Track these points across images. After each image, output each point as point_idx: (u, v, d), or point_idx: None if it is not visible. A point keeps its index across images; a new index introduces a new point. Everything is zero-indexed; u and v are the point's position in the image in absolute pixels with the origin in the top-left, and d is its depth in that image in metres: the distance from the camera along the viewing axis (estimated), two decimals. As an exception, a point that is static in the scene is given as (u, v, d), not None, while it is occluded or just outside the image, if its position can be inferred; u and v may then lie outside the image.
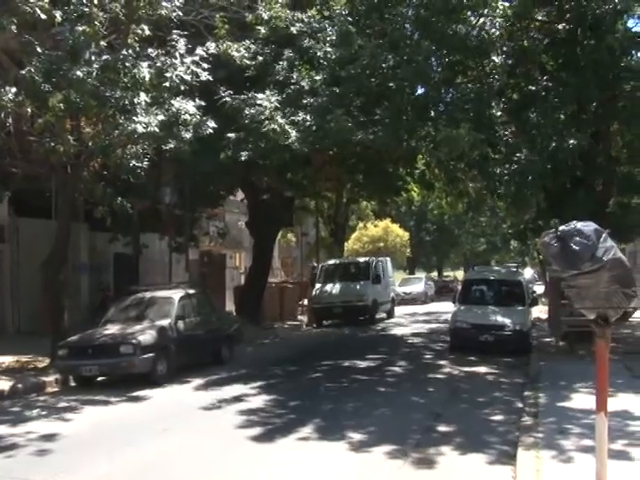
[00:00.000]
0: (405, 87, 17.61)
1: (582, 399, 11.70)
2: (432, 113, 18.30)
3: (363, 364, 18.26)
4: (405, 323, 30.63)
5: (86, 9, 14.35)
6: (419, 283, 51.13)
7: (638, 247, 47.01)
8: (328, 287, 30.79)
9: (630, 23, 21.00)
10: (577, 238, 5.73)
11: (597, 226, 5.97)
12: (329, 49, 17.78)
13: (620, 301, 5.97)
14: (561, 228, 5.96)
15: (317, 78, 17.39)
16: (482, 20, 19.24)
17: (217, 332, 18.22)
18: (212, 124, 16.36)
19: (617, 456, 8.73)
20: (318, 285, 30.99)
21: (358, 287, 30.56)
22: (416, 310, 38.60)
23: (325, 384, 15.40)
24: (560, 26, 19.81)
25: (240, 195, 32.53)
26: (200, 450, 10.15)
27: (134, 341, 15.19)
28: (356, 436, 10.60)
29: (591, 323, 6.14)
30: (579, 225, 5.92)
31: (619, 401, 12.00)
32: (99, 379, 15.92)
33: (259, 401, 13.46)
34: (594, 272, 5.76)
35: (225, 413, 12.53)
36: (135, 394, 14.32)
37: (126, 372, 15.33)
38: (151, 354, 15.29)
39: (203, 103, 16.57)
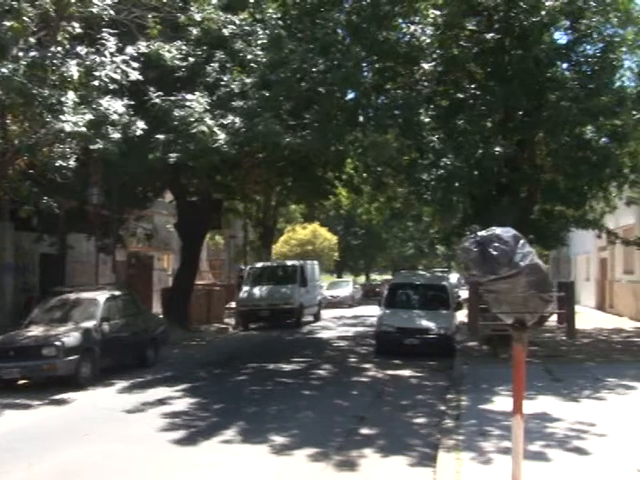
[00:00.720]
0: (335, 92, 17.70)
1: (503, 401, 11.91)
2: (361, 118, 18.44)
3: (288, 367, 18.29)
4: (332, 326, 30.74)
5: (14, 3, 14.01)
6: (346, 287, 51.39)
7: (561, 253, 48.16)
8: (255, 290, 30.76)
9: (556, 35, 21.46)
10: (496, 244, 5.83)
11: (516, 232, 6.09)
12: (260, 52, 17.76)
13: (537, 306, 6.10)
14: (480, 234, 6.07)
15: (247, 81, 17.35)
16: (413, 28, 19.49)
17: (143, 334, 18.02)
18: (141, 125, 16.16)
19: (535, 457, 8.94)
20: (246, 288, 30.93)
21: (285, 290, 30.61)
22: (343, 313, 38.76)
23: (250, 387, 15.38)
24: (489, 36, 20.19)
25: (169, 197, 32.23)
26: (122, 454, 10.01)
27: (57, 343, 14.89)
28: (279, 439, 10.61)
29: (509, 327, 6.26)
30: (498, 231, 6.03)
31: (539, 403, 12.29)
32: (21, 382, 15.54)
33: (183, 404, 13.36)
34: (512, 277, 5.87)
35: (149, 416, 12.40)
36: (58, 397, 14.06)
37: (48, 375, 15.04)
38: (75, 356, 15.00)
39: (132, 103, 16.37)
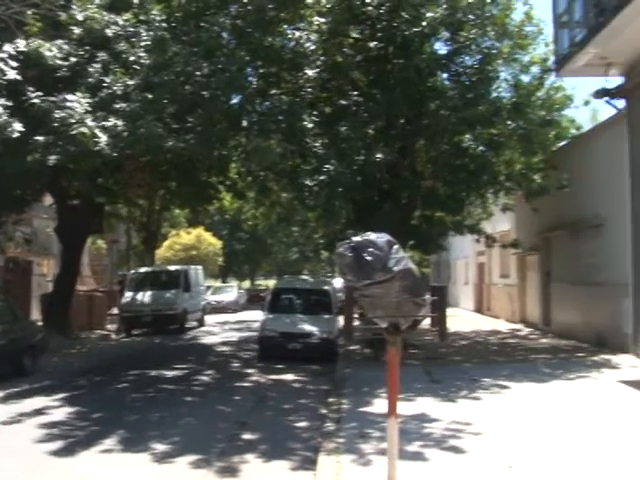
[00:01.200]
0: (219, 96, 17.61)
1: (383, 404, 11.92)
2: (245, 123, 18.40)
3: (170, 374, 18.06)
4: (216, 332, 30.59)
5: None
6: (231, 292, 51.27)
7: (442, 258, 49.36)
8: (138, 295, 30.27)
9: (436, 46, 22.05)
10: (370, 249, 5.96)
11: (390, 238, 6.23)
12: (143, 54, 17.48)
13: (410, 310, 6.25)
14: (355, 239, 6.18)
15: (130, 83, 17.03)
16: (298, 34, 19.61)
17: (19, 342, 17.38)
18: (18, 127, 15.62)
19: (413, 457, 9.17)
20: (128, 293, 30.41)
21: (168, 295, 30.26)
22: (227, 319, 38.63)
23: (131, 394, 15.10)
24: (372, 44, 20.56)
25: (49, 200, 31.31)
26: (-5, 467, 9.66)
27: None
28: (160, 447, 10.47)
29: (383, 331, 6.40)
30: (372, 236, 6.16)
31: (418, 405, 12.59)
32: None
33: (62, 414, 12.97)
34: (386, 282, 6.00)
35: (25, 427, 11.94)
36: None
37: None
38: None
39: (10, 103, 15.83)
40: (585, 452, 9.25)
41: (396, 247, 6.13)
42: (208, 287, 45.00)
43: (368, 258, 5.91)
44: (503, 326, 29.71)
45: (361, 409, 12.50)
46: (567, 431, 10.44)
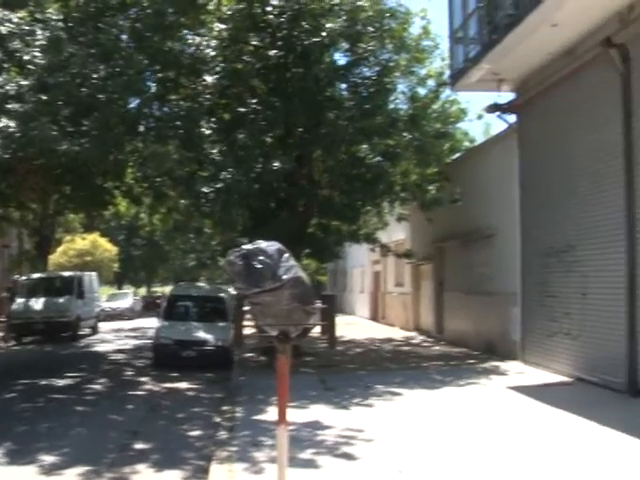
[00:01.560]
0: (116, 99, 17.33)
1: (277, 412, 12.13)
2: (142, 128, 18.17)
3: (61, 382, 17.61)
4: (110, 339, 30.03)
5: None
6: (126, 298, 50.52)
7: (338, 266, 49.80)
8: (30, 302, 29.42)
9: (336, 56, 22.27)
10: (260, 257, 5.98)
11: (280, 246, 6.27)
12: (38, 54, 17.04)
13: (300, 318, 6.30)
14: (245, 247, 6.20)
15: (24, 83, 16.58)
16: (198, 39, 19.48)
17: None
18: None
19: (305, 464, 9.19)
20: (19, 300, 29.54)
21: (61, 302, 29.53)
22: (122, 326, 38.00)
23: (20, 405, 14.63)
24: (272, 52, 20.60)
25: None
26: None
27: None
28: (49, 459, 10.16)
29: (273, 339, 6.42)
30: (263, 245, 6.19)
31: (311, 412, 12.65)
32: None
33: (-59, 426, 12.48)
34: (276, 290, 6.03)
35: None
36: None
37: None
38: None
39: None
40: (473, 456, 9.48)
41: (286, 255, 6.18)
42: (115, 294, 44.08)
43: (258, 266, 5.93)
44: (397, 334, 30.20)
45: (255, 417, 12.48)
46: (456, 436, 10.68)
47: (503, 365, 18.84)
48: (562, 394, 14.42)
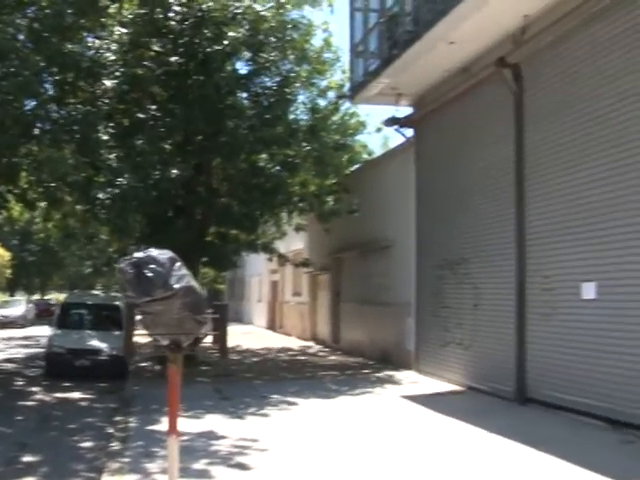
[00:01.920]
0: (10, 101, 16.84)
1: (171, 422, 11.99)
2: (37, 131, 17.71)
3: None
4: (0, 348, 29.08)
5: None
6: (19, 306, 49.00)
7: (236, 275, 49.60)
8: None
9: (237, 65, 22.24)
10: (151, 265, 5.92)
11: (172, 254, 6.23)
12: None
13: (192, 327, 6.27)
14: (136, 255, 6.13)
15: None
16: (98, 42, 19.15)
17: None
18: None
19: (198, 475, 9.12)
20: None
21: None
22: (14, 334, 36.86)
23: None
24: (173, 59, 20.39)
25: None
26: None
27: None
28: None
29: (164, 349, 6.37)
30: (154, 253, 6.13)
31: (206, 422, 12.56)
32: None
33: None
34: (167, 299, 5.99)
35: None
36: None
37: None
38: None
39: None
40: (365, 464, 9.59)
41: (178, 264, 6.14)
42: None
43: (149, 275, 5.87)
44: (294, 343, 30.29)
45: (149, 427, 12.30)
46: (350, 445, 10.77)
47: (398, 374, 19.14)
48: (454, 402, 14.76)
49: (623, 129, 11.43)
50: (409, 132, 20.30)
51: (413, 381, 17.97)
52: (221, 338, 22.08)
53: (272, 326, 39.60)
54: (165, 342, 6.28)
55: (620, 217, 11.48)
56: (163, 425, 12.17)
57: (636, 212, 11.11)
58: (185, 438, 10.64)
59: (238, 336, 33.08)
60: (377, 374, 19.44)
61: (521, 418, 12.85)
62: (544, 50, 13.57)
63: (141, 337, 24.33)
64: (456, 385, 16.69)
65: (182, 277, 6.02)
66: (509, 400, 14.33)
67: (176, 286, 5.94)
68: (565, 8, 12.63)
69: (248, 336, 34.00)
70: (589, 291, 12.14)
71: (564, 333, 12.84)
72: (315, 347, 28.72)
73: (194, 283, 6.22)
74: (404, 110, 20.42)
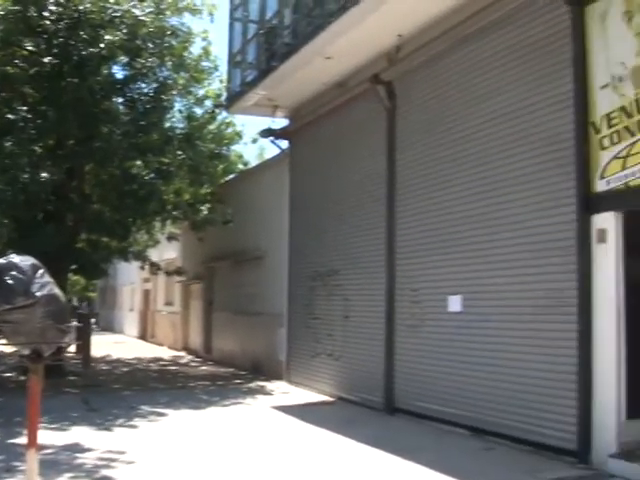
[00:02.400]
0: None
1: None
2: None
3: None
4: None
5: None
6: None
7: (108, 283, 48.58)
8: None
9: (114, 69, 21.77)
10: (13, 272, 5.78)
11: (35, 261, 6.09)
12: None
13: (54, 336, 6.13)
14: (10, 262, 5.99)
15: None
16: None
17: None
18: None
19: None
20: None
21: None
22: None
23: None
24: (47, 59, 19.73)
25: None
26: None
27: None
28: None
29: (25, 358, 6.21)
30: (16, 259, 5.98)
31: (72, 434, 12.22)
32: None
33: None
34: (28, 307, 5.85)
35: None
36: None
37: None
38: None
39: None
40: (233, 475, 9.58)
41: (41, 271, 6.00)
42: None
43: (9, 282, 5.72)
44: (166, 353, 29.91)
45: (11, 441, 11.81)
46: (218, 456, 10.74)
47: (269, 385, 19.20)
48: (324, 413, 14.93)
49: (489, 148, 11.91)
50: (285, 143, 20.43)
51: (284, 392, 18.07)
52: (85, 348, 21.60)
53: (144, 336, 38.96)
54: (26, 352, 6.11)
55: (483, 233, 11.96)
56: (26, 438, 11.81)
57: (497, 228, 11.60)
58: (49, 451, 10.37)
59: (109, 345, 32.46)
60: (248, 384, 19.44)
61: (389, 428, 13.13)
62: (417, 69, 13.99)
63: (6, 346, 23.65)
64: (326, 396, 16.89)
65: (44, 285, 5.88)
66: (378, 410, 14.62)
67: (38, 294, 5.81)
68: (438, 29, 13.07)
69: (119, 346, 33.33)
70: (455, 304, 12.56)
71: (430, 345, 13.23)
72: (187, 357, 28.45)
73: (57, 291, 6.09)
74: (280, 121, 20.61)
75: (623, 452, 9.31)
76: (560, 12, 10.47)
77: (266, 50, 18.48)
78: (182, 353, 29.86)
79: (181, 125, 23.47)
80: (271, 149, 33.08)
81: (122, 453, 10.86)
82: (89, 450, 11.13)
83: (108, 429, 12.94)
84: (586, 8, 10.10)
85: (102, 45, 19.27)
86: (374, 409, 14.76)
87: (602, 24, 9.86)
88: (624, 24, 9.51)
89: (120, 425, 13.37)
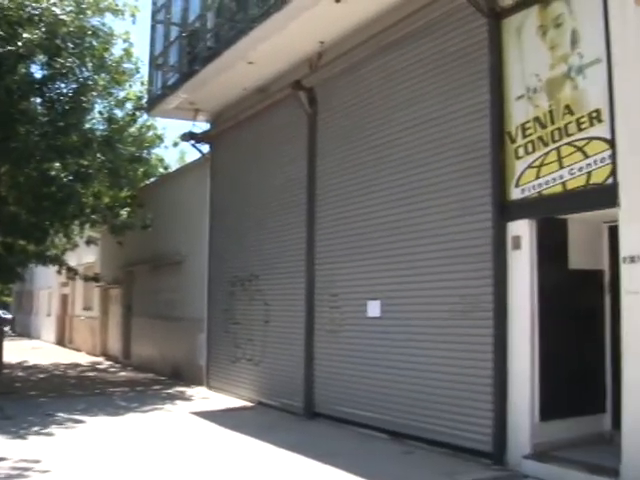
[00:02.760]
0: None
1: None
2: None
3: None
4: None
5: None
6: None
7: (24, 287, 47.48)
8: None
9: (32, 69, 21.30)
10: None
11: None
12: None
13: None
14: None
15: None
16: None
17: None
18: None
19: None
20: None
21: None
22: None
23: None
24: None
25: None
26: None
27: None
28: None
29: None
30: None
31: (-19, 443, 11.94)
32: None
33: None
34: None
35: None
36: None
37: None
38: None
39: None
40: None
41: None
42: None
43: None
44: (84, 359, 29.38)
45: None
46: (137, 462, 10.61)
47: (189, 390, 19.06)
48: (243, 418, 14.90)
49: (408, 155, 12.09)
50: (206, 148, 20.32)
51: (204, 397, 17.96)
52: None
53: (62, 341, 38.17)
54: None
55: (401, 239, 12.13)
56: None
57: (416, 234, 11.79)
58: (-42, 461, 10.11)
59: (25, 351, 31.75)
60: (168, 390, 19.25)
61: (309, 433, 13.17)
62: (338, 76, 14.10)
63: None
64: (247, 401, 16.86)
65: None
66: (298, 415, 14.66)
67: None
68: (360, 37, 13.20)
69: (36, 351, 32.60)
70: (374, 309, 12.70)
71: (350, 349, 13.34)
72: (105, 363, 28.00)
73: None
74: (202, 125, 20.48)
75: (536, 453, 9.57)
76: (478, 24, 10.72)
77: (188, 53, 18.36)
78: (101, 359, 29.37)
79: (101, 127, 23.18)
80: (192, 153, 32.93)
81: (37, 462, 10.62)
82: (2, 459, 10.83)
83: (22, 437, 12.64)
84: (503, 21, 10.40)
85: (20, 43, 18.87)
86: (294, 414, 14.80)
87: (518, 37, 10.15)
88: (539, 38, 9.82)
89: (35, 433, 13.07)
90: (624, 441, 8.28)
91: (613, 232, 9.33)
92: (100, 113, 23.49)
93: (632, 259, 8.30)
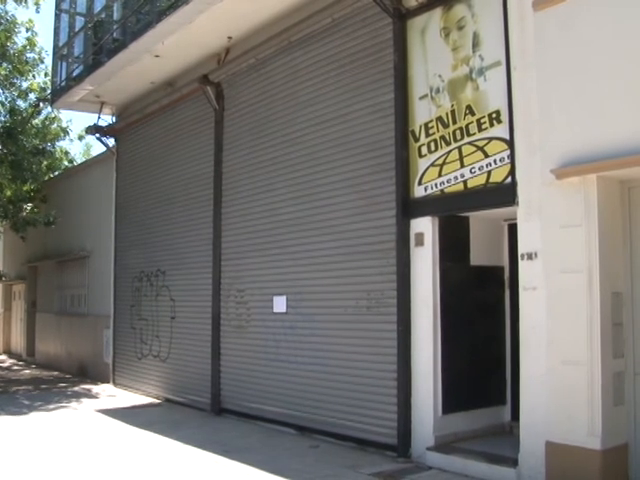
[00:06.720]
0: None
1: None
2: None
3: None
4: None
5: None
6: None
7: None
8: None
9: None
10: None
11: None
12: None
13: None
14: None
15: None
16: None
17: None
18: None
19: None
20: None
21: None
22: None
23: None
24: None
25: None
26: None
27: None
28: None
29: None
30: None
31: None
32: None
33: None
34: None
35: None
36: None
37: None
38: None
39: None
40: (52, 484, 9.36)
41: None
42: None
43: None
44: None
45: None
46: (40, 461, 10.41)
47: (95, 388, 18.79)
48: (150, 415, 14.75)
49: (314, 152, 12.17)
50: (112, 141, 19.96)
51: (110, 394, 17.72)
52: None
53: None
54: None
55: (307, 235, 12.23)
56: None
57: (321, 230, 11.89)
58: None
59: None
60: (74, 388, 18.93)
61: (216, 429, 13.13)
62: (245, 72, 14.08)
63: None
64: (154, 398, 16.72)
65: None
66: (205, 411, 14.64)
67: None
68: (267, 34, 13.22)
69: None
70: (280, 304, 12.76)
71: (257, 345, 13.37)
72: (8, 361, 27.33)
73: None
74: (108, 118, 20.14)
75: (439, 445, 9.81)
76: (384, 24, 10.87)
77: (94, 45, 18.01)
78: (3, 357, 28.68)
79: (3, 118, 22.51)
80: (98, 146, 32.34)
81: None
82: None
83: None
84: (408, 22, 10.57)
85: None
86: (202, 410, 14.77)
87: (422, 38, 10.34)
88: (442, 39, 10.02)
89: None
90: (522, 432, 8.57)
91: (512, 230, 9.61)
92: (2, 104, 22.86)
93: (529, 256, 8.58)
